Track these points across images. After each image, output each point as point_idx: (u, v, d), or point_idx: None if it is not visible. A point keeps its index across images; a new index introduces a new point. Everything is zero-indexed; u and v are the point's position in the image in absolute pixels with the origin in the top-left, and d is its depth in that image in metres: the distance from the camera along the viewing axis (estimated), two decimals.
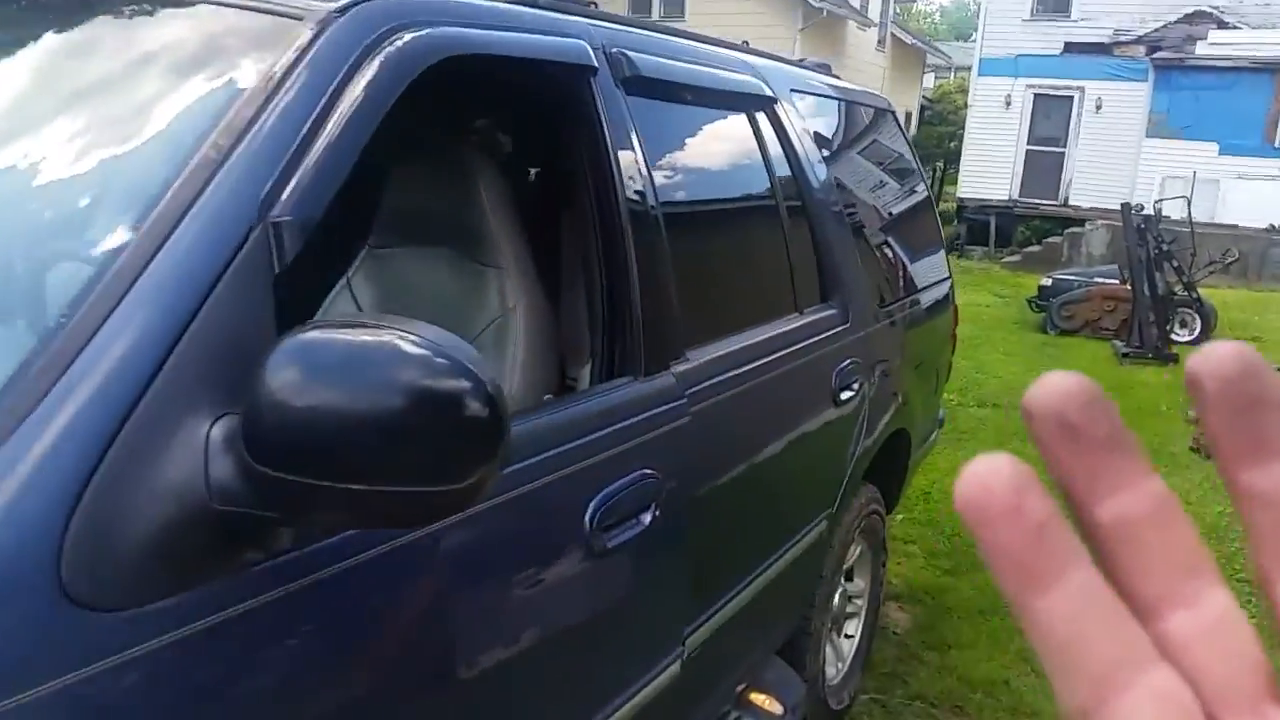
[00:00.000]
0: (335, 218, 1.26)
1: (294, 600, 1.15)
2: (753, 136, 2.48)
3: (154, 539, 1.01)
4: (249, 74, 1.33)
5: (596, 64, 1.84)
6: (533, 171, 2.37)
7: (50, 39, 1.60)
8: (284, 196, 1.19)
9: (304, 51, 1.33)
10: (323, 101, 1.28)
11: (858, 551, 3.24)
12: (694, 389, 1.96)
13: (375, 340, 1.05)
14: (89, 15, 1.60)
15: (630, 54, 1.96)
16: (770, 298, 2.50)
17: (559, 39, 1.79)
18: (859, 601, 3.35)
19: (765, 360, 2.25)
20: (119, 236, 1.14)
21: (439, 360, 1.03)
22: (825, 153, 2.82)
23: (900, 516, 4.72)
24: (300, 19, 1.39)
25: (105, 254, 1.12)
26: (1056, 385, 0.25)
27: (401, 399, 1.01)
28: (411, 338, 1.04)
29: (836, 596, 3.09)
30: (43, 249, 1.26)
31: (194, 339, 1.08)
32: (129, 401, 1.02)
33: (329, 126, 1.27)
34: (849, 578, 3.25)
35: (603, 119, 1.83)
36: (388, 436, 1.03)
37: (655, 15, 15.57)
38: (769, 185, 2.51)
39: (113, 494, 0.99)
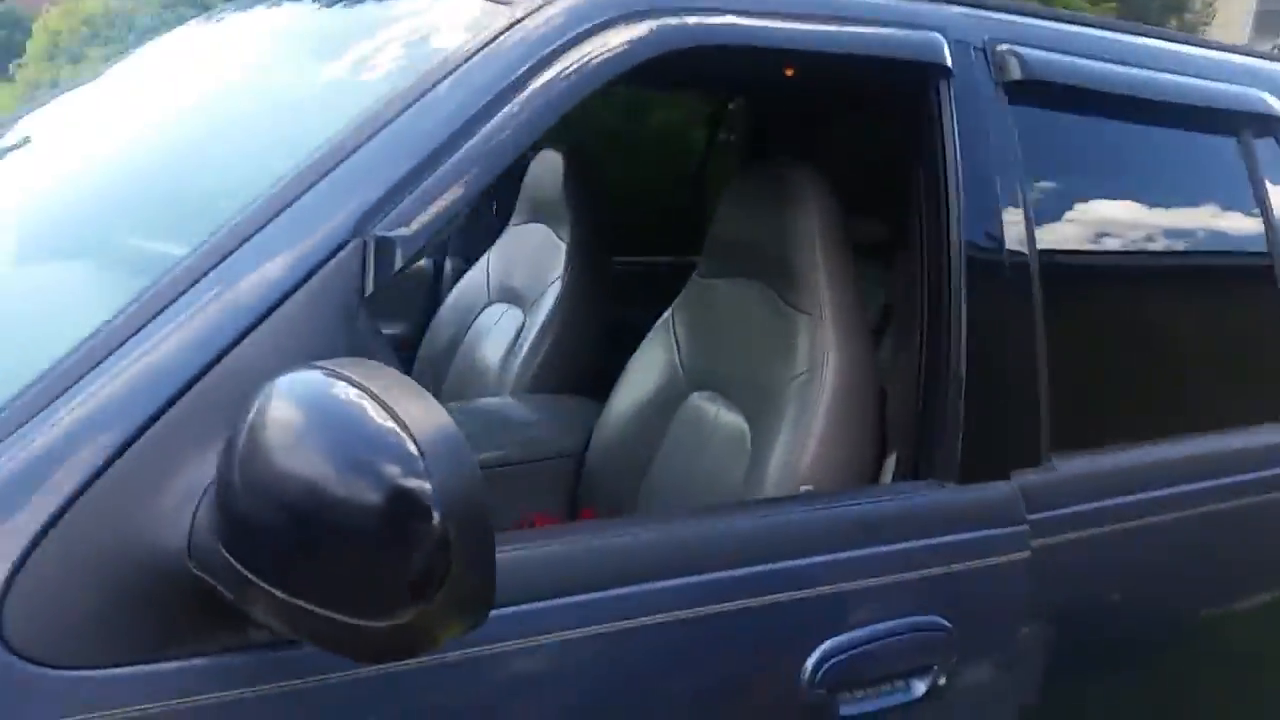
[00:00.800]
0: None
1: (300, 699, 0.90)
2: (1243, 169, 1.74)
3: (127, 591, 0.84)
4: (417, 66, 1.11)
5: (951, 63, 1.35)
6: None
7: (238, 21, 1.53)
8: (399, 209, 0.98)
9: (486, 43, 1.10)
10: (484, 102, 1.05)
11: None
12: (1050, 513, 1.36)
13: (398, 414, 0.77)
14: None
15: (1024, 51, 1.43)
16: (1232, 396, 1.73)
17: (886, 30, 1.34)
18: None
19: (1201, 486, 1.54)
20: (194, 237, 0.97)
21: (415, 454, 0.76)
22: None
23: None
24: (508, 3, 1.15)
25: (176, 255, 0.97)
26: None
27: (379, 496, 0.75)
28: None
29: None
30: (124, 245, 1.14)
31: (236, 361, 0.89)
32: (133, 429, 0.85)
33: (483, 132, 1.04)
34: None
35: (949, 135, 1.34)
36: (325, 535, 0.77)
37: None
38: (1263, 240, 1.75)
39: (86, 531, 0.82)
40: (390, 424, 0.75)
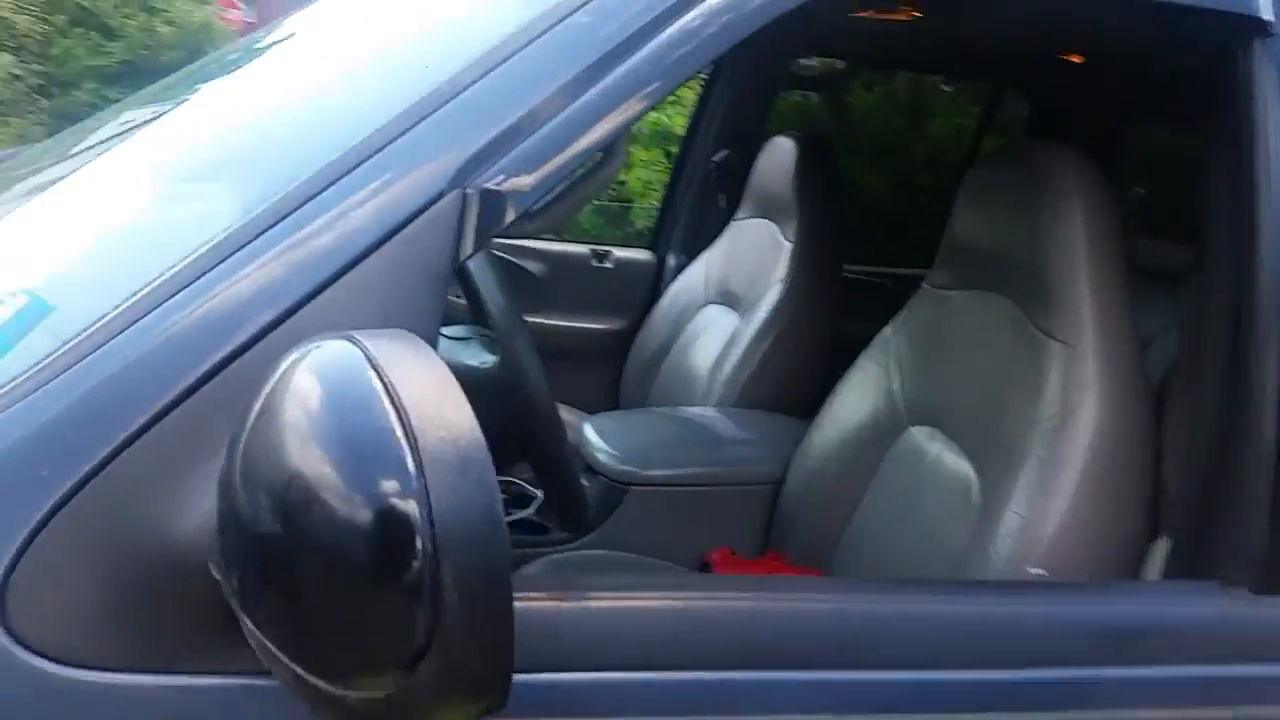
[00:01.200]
0: None
1: None
2: None
3: (144, 585, 0.71)
4: None
5: (1270, 15, 1.00)
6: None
7: None
8: (511, 156, 0.81)
9: None
10: (629, 33, 0.85)
11: None
12: None
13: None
14: None
15: None
16: None
17: None
18: None
19: None
20: (279, 185, 0.82)
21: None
22: None
23: None
24: None
25: (257, 204, 0.82)
26: None
27: (368, 516, 0.57)
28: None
29: None
30: (228, 184, 1.01)
31: (300, 325, 0.74)
32: (170, 396, 0.72)
33: (623, 68, 0.85)
34: None
35: (1262, 117, 0.99)
36: (301, 553, 0.58)
37: None
38: None
39: (105, 510, 0.70)
40: (396, 426, 0.56)
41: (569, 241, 2.81)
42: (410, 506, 0.55)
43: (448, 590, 0.54)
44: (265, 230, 0.77)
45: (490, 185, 0.79)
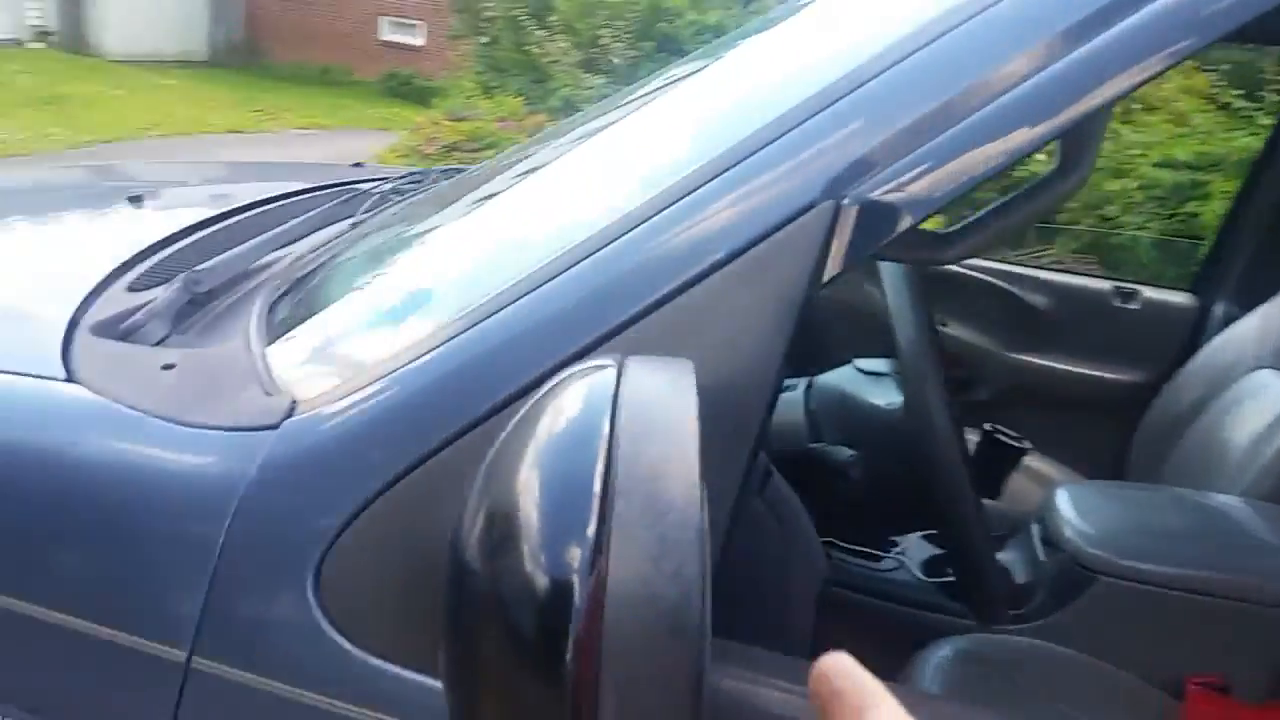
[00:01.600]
0: None
1: None
2: None
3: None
4: None
5: None
6: None
7: None
8: (901, 163, 0.68)
9: None
10: (1070, 23, 0.68)
11: None
12: None
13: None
14: None
15: None
16: None
17: None
18: None
19: None
20: (647, 190, 0.77)
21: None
22: None
23: None
24: None
25: (617, 211, 0.78)
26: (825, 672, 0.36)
27: (543, 583, 0.46)
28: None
29: None
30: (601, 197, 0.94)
31: (632, 340, 0.69)
32: (491, 401, 0.70)
33: (1062, 65, 0.68)
34: None
35: None
36: (478, 604, 0.49)
37: None
38: None
39: (421, 505, 0.71)
40: (598, 480, 0.44)
41: (1091, 275, 2.45)
42: (575, 586, 0.42)
43: (605, 709, 0.40)
44: (616, 239, 0.71)
45: (874, 195, 0.66)
